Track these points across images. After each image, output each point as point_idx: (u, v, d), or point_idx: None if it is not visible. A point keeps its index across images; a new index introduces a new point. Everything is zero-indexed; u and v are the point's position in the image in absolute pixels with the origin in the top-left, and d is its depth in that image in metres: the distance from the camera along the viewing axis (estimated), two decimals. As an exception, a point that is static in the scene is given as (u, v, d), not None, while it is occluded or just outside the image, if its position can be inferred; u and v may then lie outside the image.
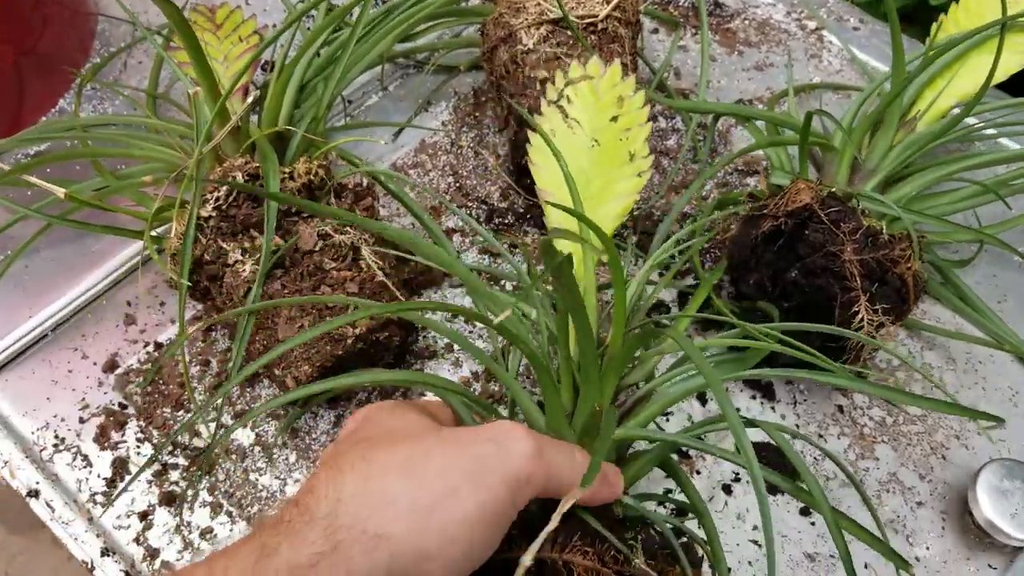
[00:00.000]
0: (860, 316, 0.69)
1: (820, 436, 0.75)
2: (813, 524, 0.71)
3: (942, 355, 0.80)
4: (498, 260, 0.83)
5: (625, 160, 0.63)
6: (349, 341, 0.65)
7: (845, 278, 0.69)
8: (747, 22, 1.04)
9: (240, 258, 0.66)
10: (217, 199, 0.66)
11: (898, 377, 0.78)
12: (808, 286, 0.71)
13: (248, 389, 0.75)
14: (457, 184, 0.88)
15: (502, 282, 0.82)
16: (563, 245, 0.59)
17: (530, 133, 0.64)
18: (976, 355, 0.80)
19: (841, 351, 0.71)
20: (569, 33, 0.79)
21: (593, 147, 0.63)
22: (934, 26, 0.82)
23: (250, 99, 0.67)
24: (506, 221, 0.85)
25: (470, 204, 0.86)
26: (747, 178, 0.90)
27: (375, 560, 0.40)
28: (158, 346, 0.78)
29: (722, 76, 0.99)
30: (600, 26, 0.79)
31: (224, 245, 0.66)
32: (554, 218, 0.62)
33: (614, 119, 0.64)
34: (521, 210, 0.86)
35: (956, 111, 0.76)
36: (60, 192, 0.64)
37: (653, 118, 0.94)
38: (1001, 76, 0.77)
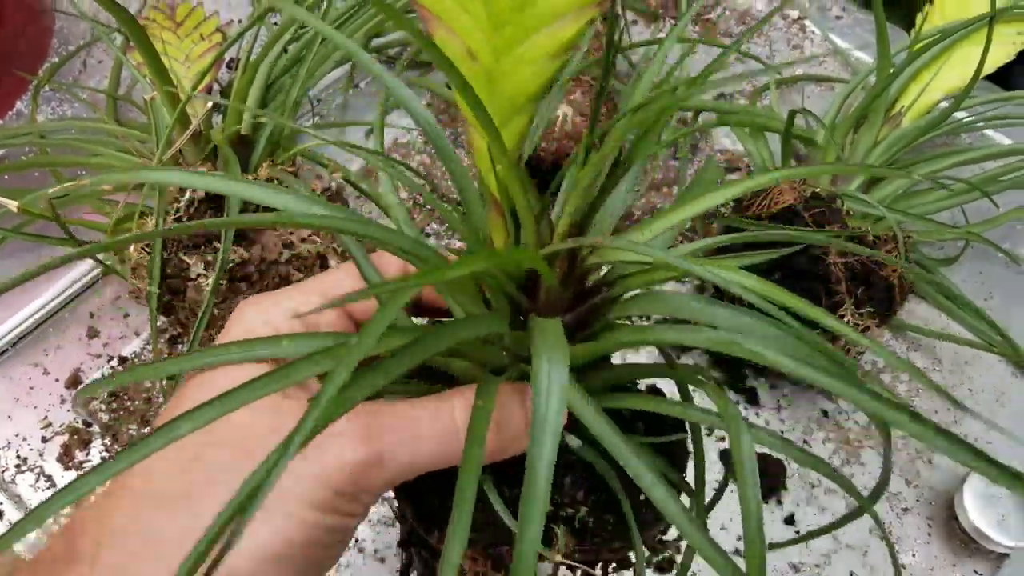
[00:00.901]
0: (846, 319, 0.67)
1: (805, 442, 0.74)
2: (797, 532, 0.69)
3: (928, 356, 0.78)
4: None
5: None
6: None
7: (829, 280, 0.67)
8: (728, 12, 1.02)
9: (203, 271, 0.63)
10: (177, 210, 0.64)
11: (883, 380, 0.77)
12: (793, 289, 0.69)
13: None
14: (432, 184, 0.85)
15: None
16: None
17: None
18: (962, 355, 0.79)
19: (826, 355, 0.69)
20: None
21: None
22: (919, 17, 0.79)
23: (210, 103, 0.64)
24: (482, 223, 0.83)
25: (445, 205, 0.84)
26: (730, 174, 0.88)
27: None
28: (122, 360, 0.75)
29: (702, 68, 0.96)
30: (575, 22, 0.76)
31: (186, 258, 0.64)
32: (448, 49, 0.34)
33: None
34: (497, 211, 0.83)
35: (944, 104, 0.74)
36: (12, 205, 0.61)
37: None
38: (989, 69, 0.75)
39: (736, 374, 0.77)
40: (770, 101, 0.90)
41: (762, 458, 0.70)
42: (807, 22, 1.01)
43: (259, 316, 0.40)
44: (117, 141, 0.74)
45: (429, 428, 0.37)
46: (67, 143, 0.75)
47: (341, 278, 0.43)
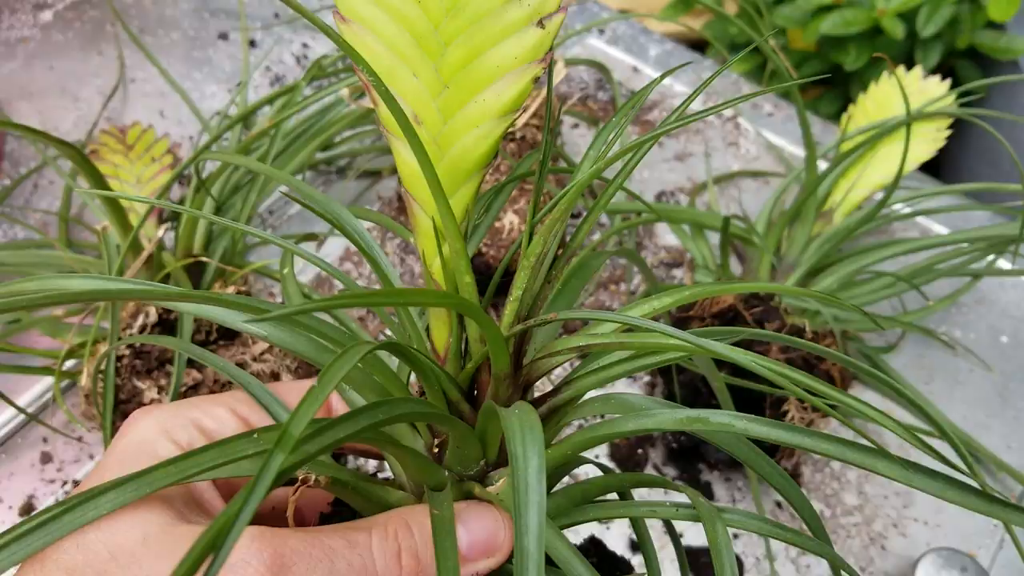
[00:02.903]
0: (790, 416, 0.69)
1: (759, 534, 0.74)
2: (760, 628, 0.70)
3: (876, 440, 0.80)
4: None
5: None
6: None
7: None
8: (665, 113, 1.06)
9: (156, 396, 0.63)
10: (131, 336, 0.64)
11: (833, 467, 0.79)
12: (736, 386, 0.71)
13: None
14: (384, 292, 0.87)
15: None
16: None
17: None
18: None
19: (775, 448, 0.71)
20: (487, 142, 0.79)
21: None
22: (844, 117, 0.84)
23: (160, 232, 0.65)
24: (435, 329, 0.84)
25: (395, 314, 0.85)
26: (674, 270, 0.91)
27: None
28: (76, 484, 0.74)
29: (643, 168, 1.00)
30: (519, 134, 0.79)
31: (139, 384, 0.64)
32: (388, 121, 0.34)
33: None
34: (450, 317, 0.85)
35: (878, 196, 0.78)
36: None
37: (575, 214, 0.95)
38: (912, 165, 0.80)
39: (691, 468, 0.78)
40: (709, 198, 0.93)
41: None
42: (741, 119, 1.06)
43: (156, 426, 0.37)
44: (68, 265, 0.75)
45: (345, 561, 0.33)
46: (18, 270, 0.75)
47: (244, 396, 0.41)
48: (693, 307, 0.73)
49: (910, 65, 0.82)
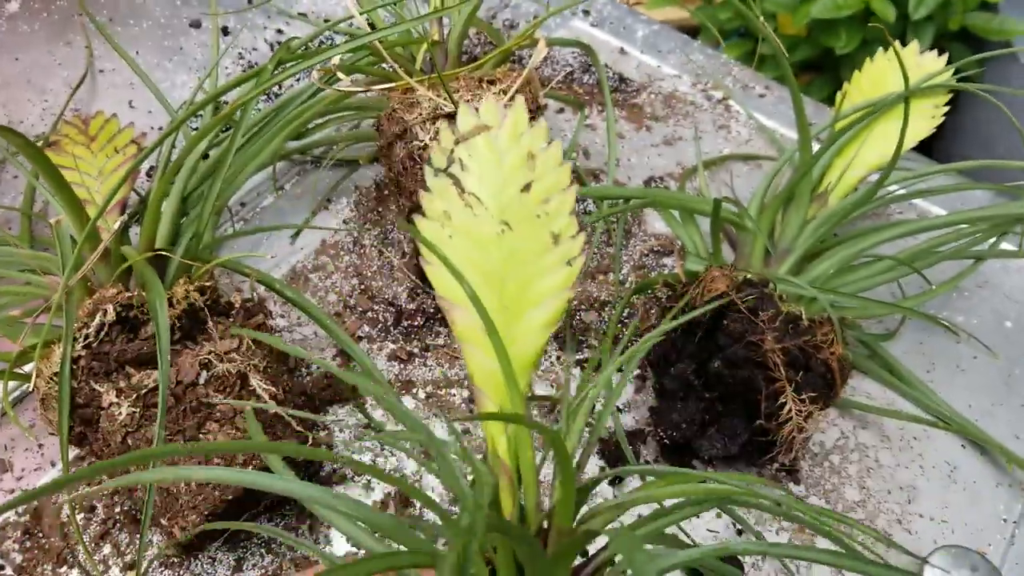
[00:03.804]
0: (787, 408, 0.65)
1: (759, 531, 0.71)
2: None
3: (876, 433, 0.77)
4: (408, 366, 0.78)
5: (548, 245, 0.46)
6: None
7: (768, 368, 0.65)
8: (653, 96, 1.02)
9: (115, 400, 0.60)
10: (87, 336, 0.60)
11: (833, 461, 0.75)
12: (731, 377, 0.67)
13: (138, 536, 0.68)
14: (362, 286, 0.83)
15: (414, 389, 0.77)
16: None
17: (417, 220, 0.46)
18: (910, 430, 0.77)
19: (772, 444, 0.68)
20: (465, 127, 0.75)
21: (503, 233, 0.46)
22: (839, 95, 0.80)
23: (117, 224, 0.62)
24: (415, 323, 0.80)
25: (376, 307, 0.82)
26: (664, 258, 0.87)
27: None
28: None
29: (631, 153, 0.97)
30: (497, 117, 0.76)
31: (97, 387, 0.60)
32: (464, 334, 0.45)
33: (526, 188, 0.46)
34: (431, 310, 0.81)
35: (873, 178, 0.75)
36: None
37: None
38: (910, 143, 0.76)
39: (685, 465, 0.75)
40: (699, 183, 0.90)
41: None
42: (731, 102, 1.02)
43: None
44: (26, 262, 0.71)
45: None
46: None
47: None
48: (685, 294, 0.69)
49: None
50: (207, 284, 0.67)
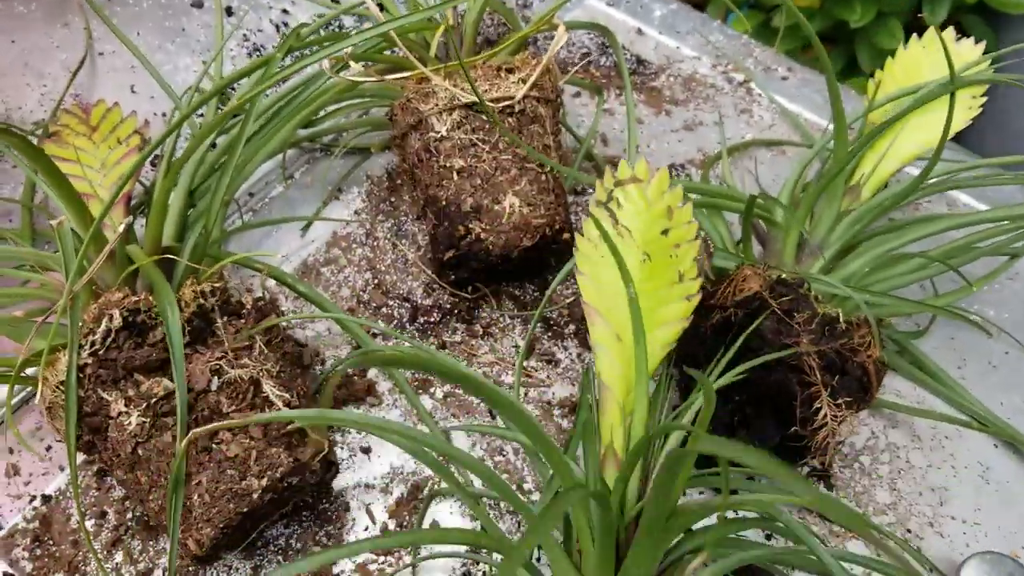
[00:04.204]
0: (823, 412, 0.63)
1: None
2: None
3: (907, 432, 0.75)
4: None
5: (674, 280, 0.56)
6: (255, 496, 0.57)
7: (803, 371, 0.63)
8: (672, 79, 0.99)
9: (124, 409, 0.57)
10: (93, 343, 0.58)
11: (863, 462, 0.73)
12: (762, 380, 0.65)
13: (151, 543, 0.66)
14: (376, 280, 0.80)
15: (432, 388, 0.75)
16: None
17: (578, 237, 0.57)
18: (942, 429, 0.75)
19: (804, 448, 0.65)
20: (484, 117, 0.72)
21: (644, 262, 0.56)
22: (871, 84, 0.77)
23: (123, 226, 0.59)
24: (432, 319, 0.78)
25: (391, 303, 0.79)
26: (686, 250, 0.84)
27: None
28: (46, 499, 0.68)
29: (651, 139, 0.93)
30: (518, 107, 0.73)
31: (105, 395, 0.58)
32: (600, 339, 0.55)
33: (665, 232, 0.57)
34: (447, 306, 0.79)
35: (914, 172, 0.72)
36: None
37: (579, 191, 0.88)
38: (949, 134, 0.73)
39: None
40: (722, 171, 0.87)
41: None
42: (753, 84, 0.99)
43: None
44: (26, 259, 0.68)
45: None
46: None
47: None
48: (715, 295, 0.66)
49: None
50: (217, 285, 0.64)
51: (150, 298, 0.61)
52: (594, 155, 0.89)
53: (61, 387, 0.59)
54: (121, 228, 0.58)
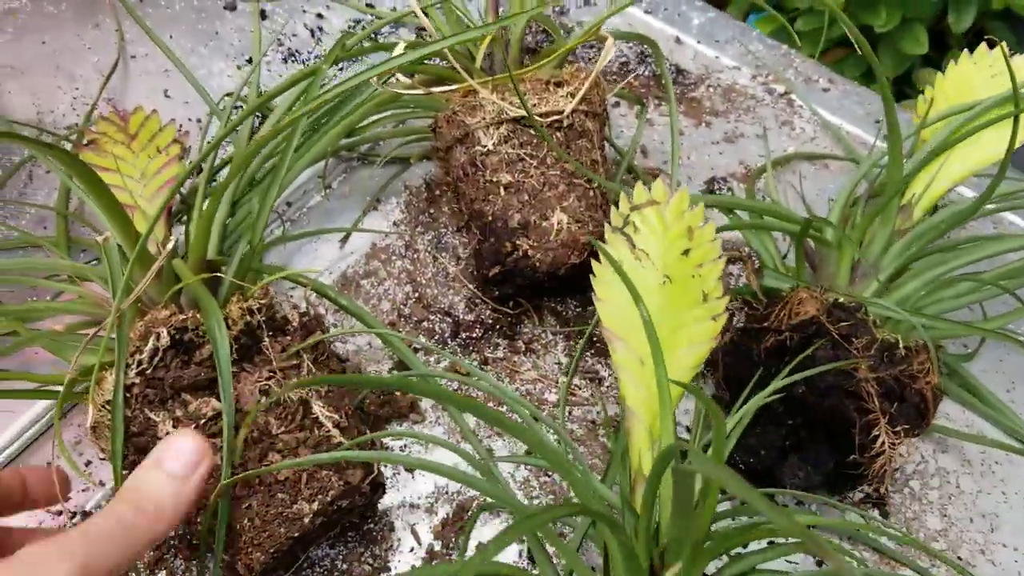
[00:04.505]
0: (881, 440, 0.62)
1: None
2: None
3: (957, 457, 0.74)
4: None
5: (698, 300, 0.54)
6: (306, 520, 0.56)
7: (861, 398, 0.62)
8: (712, 89, 0.98)
9: (171, 430, 0.56)
10: (140, 362, 0.57)
11: (913, 487, 0.72)
12: (817, 405, 0.64)
13: (194, 564, 0.65)
14: (416, 294, 0.79)
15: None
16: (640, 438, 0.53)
17: (594, 264, 0.56)
18: (992, 454, 0.74)
19: (859, 476, 0.64)
20: (532, 132, 0.71)
21: (664, 284, 0.55)
22: (920, 101, 0.76)
23: (171, 245, 0.58)
24: (473, 335, 0.77)
25: (432, 317, 0.78)
26: (730, 266, 0.83)
27: None
28: (85, 515, 0.67)
29: (691, 151, 0.92)
30: (566, 122, 0.71)
31: (152, 415, 0.57)
32: (622, 363, 0.54)
33: (685, 252, 0.55)
34: (490, 321, 0.77)
35: (971, 195, 0.70)
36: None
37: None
38: (998, 155, 0.72)
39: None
40: (766, 186, 0.85)
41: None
42: (794, 96, 0.98)
43: None
44: (65, 274, 0.67)
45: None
46: (15, 278, 0.68)
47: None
48: (768, 318, 0.65)
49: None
50: (263, 301, 0.63)
51: (197, 315, 0.60)
52: (634, 167, 0.87)
53: (107, 406, 0.58)
54: (169, 246, 0.57)
